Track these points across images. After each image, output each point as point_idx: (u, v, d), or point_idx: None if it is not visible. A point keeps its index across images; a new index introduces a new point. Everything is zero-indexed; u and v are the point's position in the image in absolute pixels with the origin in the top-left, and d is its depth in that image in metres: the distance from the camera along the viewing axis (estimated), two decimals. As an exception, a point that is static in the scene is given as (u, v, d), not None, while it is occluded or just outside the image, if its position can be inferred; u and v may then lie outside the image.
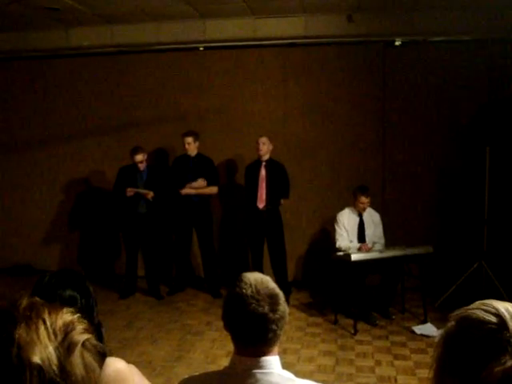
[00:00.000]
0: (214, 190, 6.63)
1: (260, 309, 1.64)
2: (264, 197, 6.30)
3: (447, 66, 6.64)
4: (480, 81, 6.53)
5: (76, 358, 0.95)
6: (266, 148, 6.32)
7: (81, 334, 0.99)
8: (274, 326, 1.64)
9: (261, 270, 6.27)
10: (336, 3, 6.17)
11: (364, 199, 5.85)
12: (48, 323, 0.97)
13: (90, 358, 0.98)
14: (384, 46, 6.79)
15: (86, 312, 1.82)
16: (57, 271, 1.97)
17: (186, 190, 6.48)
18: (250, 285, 1.68)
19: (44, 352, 0.92)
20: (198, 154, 6.62)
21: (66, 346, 0.95)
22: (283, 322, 1.68)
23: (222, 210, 7.33)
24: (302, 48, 6.99)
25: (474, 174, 6.46)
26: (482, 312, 1.06)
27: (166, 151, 7.34)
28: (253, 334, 1.65)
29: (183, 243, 6.77)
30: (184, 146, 6.52)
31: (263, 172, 6.35)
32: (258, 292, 1.66)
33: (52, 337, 0.95)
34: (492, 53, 6.46)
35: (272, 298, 1.67)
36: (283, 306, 1.69)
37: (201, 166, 6.57)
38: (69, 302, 1.74)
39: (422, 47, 6.71)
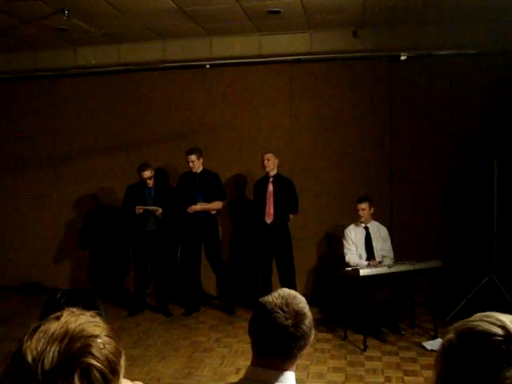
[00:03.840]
0: (218, 205, 6.60)
1: (283, 321, 1.63)
2: (272, 212, 6.33)
3: (453, 80, 6.65)
4: (486, 93, 6.53)
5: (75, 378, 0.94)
6: (271, 163, 6.35)
7: (91, 358, 0.98)
8: (292, 342, 1.63)
9: (269, 286, 6.25)
10: (341, 19, 6.21)
11: (359, 205, 5.93)
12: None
13: None
14: (389, 60, 6.82)
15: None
16: (68, 289, 2.00)
17: (193, 207, 6.47)
18: (282, 297, 1.69)
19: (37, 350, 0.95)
20: (204, 170, 6.60)
21: (69, 356, 0.95)
22: (303, 342, 1.66)
23: (230, 226, 7.33)
24: (307, 64, 7.04)
25: (482, 187, 6.43)
26: (487, 324, 1.05)
27: (174, 167, 7.36)
28: (271, 344, 1.64)
29: (192, 261, 6.66)
30: (188, 164, 6.52)
31: (270, 187, 6.39)
32: (286, 305, 1.66)
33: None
34: (497, 65, 6.46)
35: (298, 316, 1.66)
36: (308, 328, 1.67)
37: (207, 181, 6.57)
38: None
39: (427, 61, 6.73)
